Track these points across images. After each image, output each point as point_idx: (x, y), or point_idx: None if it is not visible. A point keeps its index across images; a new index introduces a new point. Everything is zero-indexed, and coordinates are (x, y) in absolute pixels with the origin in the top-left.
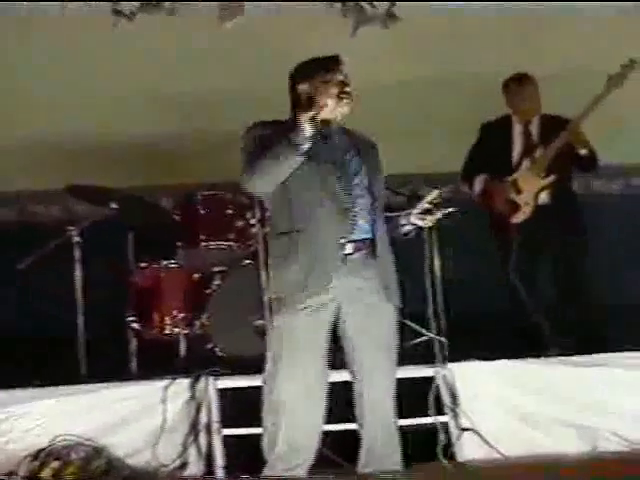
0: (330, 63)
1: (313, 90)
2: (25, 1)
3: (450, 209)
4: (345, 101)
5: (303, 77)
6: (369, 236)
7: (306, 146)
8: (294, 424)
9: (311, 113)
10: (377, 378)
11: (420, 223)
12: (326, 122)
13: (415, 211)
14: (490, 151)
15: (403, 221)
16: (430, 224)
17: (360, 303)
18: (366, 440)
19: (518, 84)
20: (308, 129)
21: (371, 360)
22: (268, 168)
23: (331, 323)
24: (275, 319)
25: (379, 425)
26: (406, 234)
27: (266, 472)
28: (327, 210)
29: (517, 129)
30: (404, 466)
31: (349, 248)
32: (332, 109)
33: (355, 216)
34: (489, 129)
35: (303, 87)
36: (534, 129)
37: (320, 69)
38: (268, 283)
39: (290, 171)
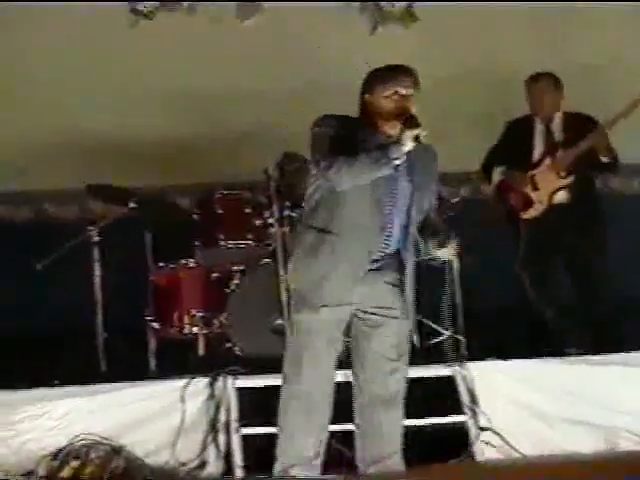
0: (394, 73)
1: (372, 103)
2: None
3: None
4: (405, 130)
5: (366, 87)
6: (395, 249)
7: (399, 161)
8: (310, 422)
9: (416, 132)
10: (386, 378)
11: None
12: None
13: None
14: (512, 148)
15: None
16: (447, 257)
17: (375, 311)
18: (363, 441)
19: (533, 82)
20: (409, 145)
21: (375, 363)
22: (359, 171)
23: (346, 323)
24: (294, 314)
25: (382, 426)
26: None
27: (278, 470)
28: (366, 223)
29: (539, 127)
30: (419, 465)
31: (375, 262)
32: (392, 127)
33: (389, 235)
34: (513, 127)
35: (367, 97)
36: (556, 127)
37: (382, 78)
38: (289, 273)
39: (375, 177)
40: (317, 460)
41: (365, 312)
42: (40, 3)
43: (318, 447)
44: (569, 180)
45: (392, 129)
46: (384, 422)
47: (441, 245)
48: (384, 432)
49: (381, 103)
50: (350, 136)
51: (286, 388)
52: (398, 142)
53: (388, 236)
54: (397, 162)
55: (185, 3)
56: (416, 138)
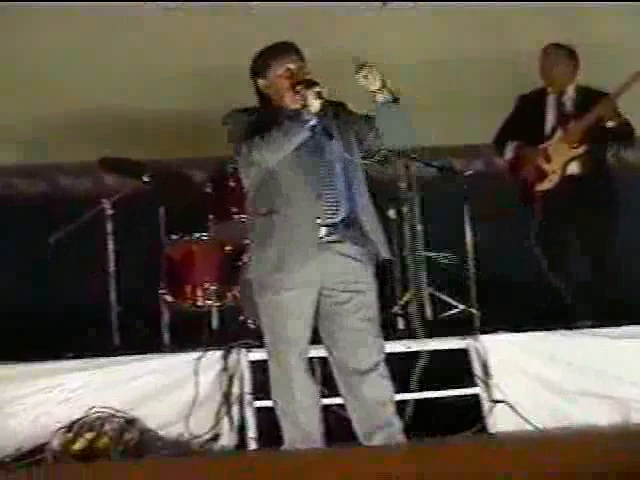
0: (278, 53)
1: (269, 87)
2: None
3: None
4: (305, 91)
5: (260, 67)
6: (346, 215)
7: (312, 122)
8: (299, 404)
9: (316, 89)
10: (360, 352)
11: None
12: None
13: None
14: (524, 121)
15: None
16: (378, 84)
17: (339, 287)
18: (356, 414)
19: (546, 53)
20: (315, 104)
21: (352, 335)
22: (277, 142)
23: (315, 302)
24: (263, 302)
25: (367, 399)
26: (385, 101)
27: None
28: (303, 193)
29: (551, 100)
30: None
31: (325, 231)
32: (293, 99)
33: (331, 200)
34: (525, 100)
35: (262, 83)
36: (568, 100)
37: (270, 61)
38: (248, 266)
39: (296, 145)
40: (316, 433)
41: (331, 289)
42: None
43: (313, 421)
44: (582, 150)
45: (294, 102)
46: (368, 395)
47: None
48: (370, 404)
49: (276, 82)
50: (260, 121)
51: (272, 368)
52: (305, 105)
53: (332, 202)
54: (311, 123)
55: None
56: (319, 95)
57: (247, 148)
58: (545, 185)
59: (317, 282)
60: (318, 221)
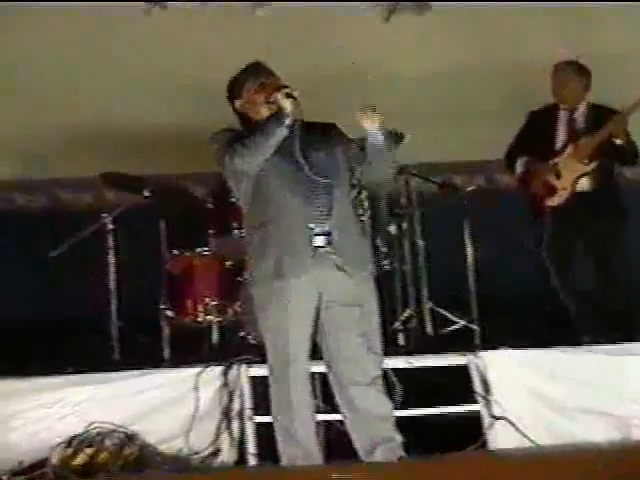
0: (250, 72)
1: (246, 104)
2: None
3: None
4: (275, 94)
5: (233, 96)
6: (337, 224)
7: (288, 121)
8: (297, 417)
9: (285, 90)
10: (357, 367)
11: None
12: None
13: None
14: (535, 137)
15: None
16: (375, 126)
17: (337, 293)
18: (356, 430)
19: (557, 70)
20: (287, 103)
21: (349, 349)
22: (255, 144)
23: (314, 313)
24: (262, 314)
25: (365, 415)
26: (376, 144)
27: (284, 462)
28: (292, 199)
29: (562, 116)
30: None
31: (320, 241)
32: (269, 108)
33: (321, 204)
34: (536, 115)
35: (238, 103)
36: (579, 117)
37: (244, 81)
38: (248, 279)
39: (275, 145)
40: (315, 449)
41: (331, 301)
42: None
43: (311, 437)
44: (592, 166)
45: (270, 111)
46: (367, 409)
47: (366, 118)
48: (370, 419)
49: (253, 99)
50: (241, 135)
51: (272, 381)
52: (279, 108)
53: (322, 206)
54: (286, 122)
55: None
56: (288, 95)
57: (229, 157)
58: (555, 201)
59: (316, 292)
60: (311, 226)
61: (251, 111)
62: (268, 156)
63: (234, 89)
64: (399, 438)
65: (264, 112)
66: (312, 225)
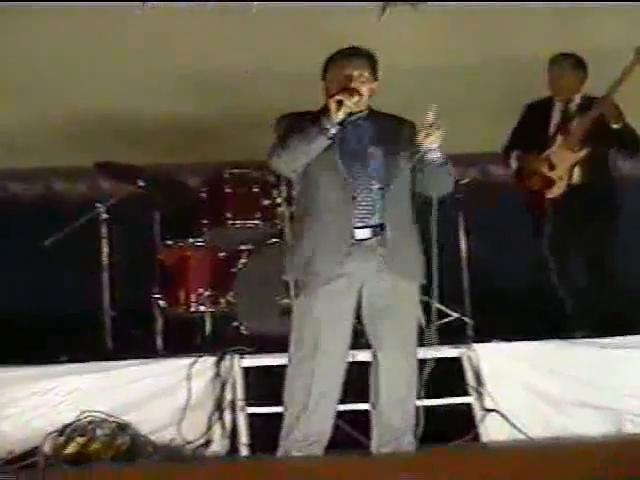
0: (338, 57)
1: (328, 83)
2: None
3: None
4: (346, 102)
5: (324, 69)
6: (382, 221)
7: (334, 130)
8: (315, 408)
9: (337, 97)
10: (394, 359)
11: (426, 146)
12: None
13: (420, 138)
14: (529, 129)
15: (425, 153)
16: (435, 144)
17: (379, 286)
18: (378, 420)
19: (553, 63)
20: (337, 113)
21: (389, 341)
22: (295, 147)
23: (354, 306)
24: (296, 303)
25: (393, 406)
26: (435, 160)
27: (281, 452)
28: (337, 196)
29: (557, 108)
30: (426, 445)
31: (363, 234)
32: (335, 109)
33: (367, 204)
34: (531, 109)
35: (325, 78)
36: (573, 108)
37: (333, 63)
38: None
39: (316, 152)
40: (320, 442)
41: (370, 294)
42: None
43: (323, 429)
44: (584, 153)
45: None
46: (401, 402)
47: (427, 135)
48: (400, 413)
49: (330, 87)
50: (298, 125)
51: (291, 370)
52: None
53: (367, 205)
54: (331, 131)
55: None
56: (339, 103)
57: (269, 156)
58: (555, 192)
59: (359, 286)
60: (353, 226)
61: (327, 97)
62: (309, 160)
63: (324, 69)
64: (411, 437)
65: (331, 107)
66: (352, 223)
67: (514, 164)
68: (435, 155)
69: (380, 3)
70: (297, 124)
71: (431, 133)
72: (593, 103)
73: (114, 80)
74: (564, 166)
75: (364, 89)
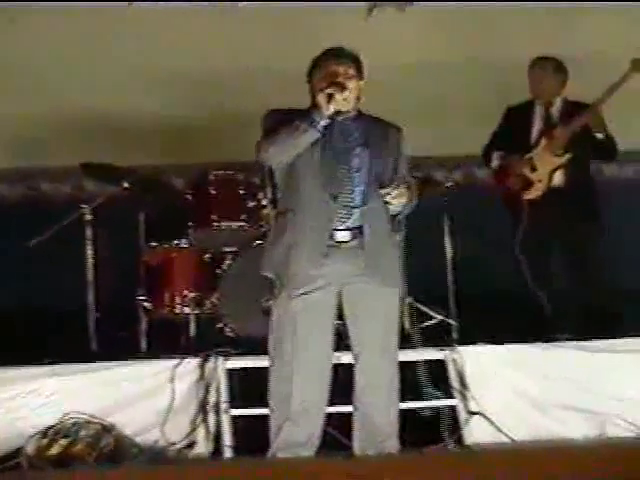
0: (324, 56)
1: (315, 83)
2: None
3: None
4: (336, 96)
5: (310, 71)
6: (362, 223)
7: (323, 122)
8: (299, 410)
9: (328, 90)
10: (375, 362)
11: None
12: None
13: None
14: (511, 132)
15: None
16: (398, 204)
17: (357, 289)
18: (360, 423)
19: (533, 66)
20: (327, 106)
21: (370, 344)
22: (284, 140)
23: (335, 307)
24: (275, 304)
25: (376, 409)
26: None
27: (270, 455)
28: (318, 195)
29: (538, 111)
30: (408, 449)
31: (342, 236)
32: (325, 102)
33: (348, 205)
34: (512, 111)
35: (311, 80)
36: (555, 112)
37: (318, 63)
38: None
39: (304, 145)
40: (310, 445)
41: (351, 296)
42: None
43: (311, 431)
44: (566, 158)
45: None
46: (384, 405)
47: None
48: (383, 415)
49: (318, 84)
50: (285, 120)
51: (273, 371)
52: (322, 107)
53: (347, 206)
54: (321, 124)
55: None
56: (329, 97)
57: (257, 150)
58: (532, 194)
59: (338, 287)
60: (332, 225)
61: (314, 96)
62: (296, 154)
63: (309, 70)
64: (395, 441)
65: (318, 102)
66: (335, 221)
67: (495, 162)
68: (398, 208)
69: (368, 3)
70: (286, 118)
71: (403, 193)
72: (579, 110)
73: (99, 82)
74: (545, 169)
75: (350, 85)
